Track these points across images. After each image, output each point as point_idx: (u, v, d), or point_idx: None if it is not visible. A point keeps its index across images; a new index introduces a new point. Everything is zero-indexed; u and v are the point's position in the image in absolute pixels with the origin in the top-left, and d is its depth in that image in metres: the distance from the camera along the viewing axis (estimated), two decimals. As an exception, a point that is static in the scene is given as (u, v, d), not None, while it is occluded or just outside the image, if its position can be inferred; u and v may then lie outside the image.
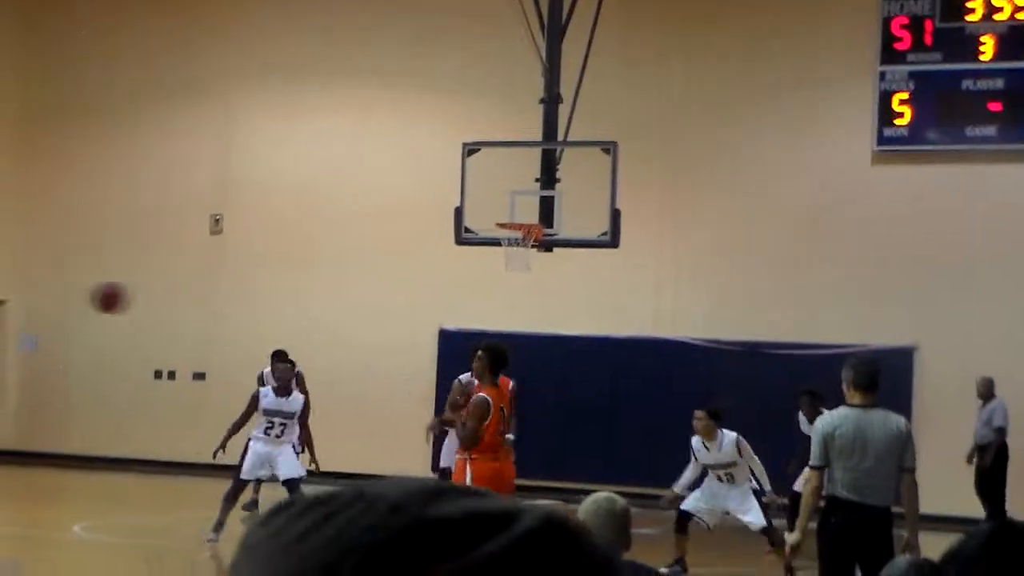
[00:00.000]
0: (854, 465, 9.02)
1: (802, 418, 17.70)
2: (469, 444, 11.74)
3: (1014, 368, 20.49)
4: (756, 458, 14.46)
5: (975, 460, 19.53)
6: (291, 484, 15.65)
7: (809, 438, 17.34)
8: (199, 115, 24.98)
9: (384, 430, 22.71)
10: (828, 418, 9.29)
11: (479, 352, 12.01)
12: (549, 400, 19.31)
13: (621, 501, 5.87)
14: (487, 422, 11.70)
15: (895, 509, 9.27)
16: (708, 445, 14.36)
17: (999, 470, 19.10)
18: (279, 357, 18.18)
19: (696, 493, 14.57)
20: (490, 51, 23.07)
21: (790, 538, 9.52)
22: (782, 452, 20.49)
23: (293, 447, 16.14)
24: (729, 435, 14.36)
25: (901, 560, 4.23)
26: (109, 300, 15.69)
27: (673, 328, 22.07)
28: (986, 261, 21.06)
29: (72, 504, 21.43)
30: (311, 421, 16.54)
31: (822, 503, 9.37)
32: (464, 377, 13.65)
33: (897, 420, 9.26)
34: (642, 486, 20.83)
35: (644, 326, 22.21)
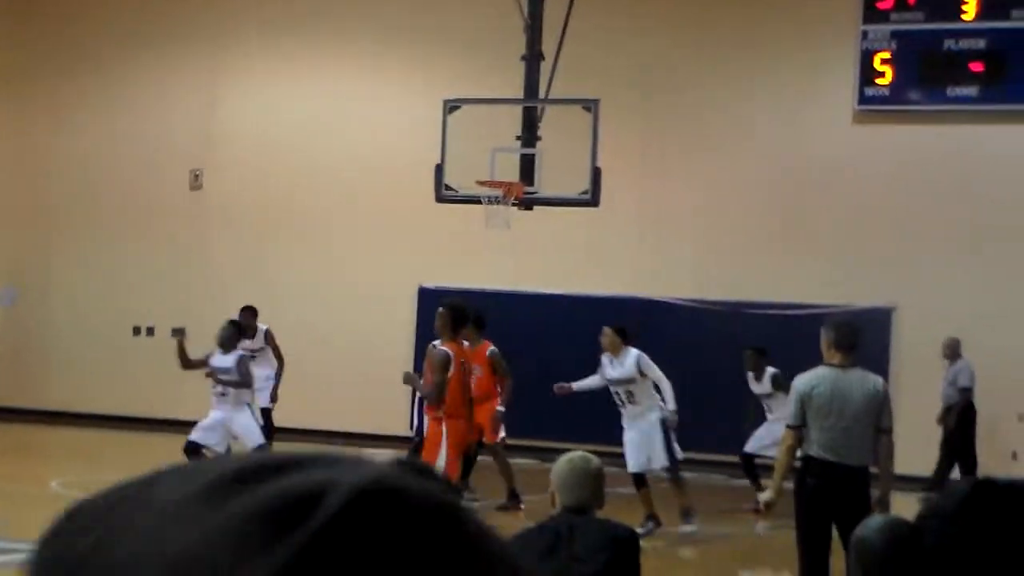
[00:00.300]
0: (831, 425, 9.04)
1: (750, 376, 17.74)
2: (435, 399, 11.90)
3: (991, 330, 20.54)
4: (661, 375, 14.78)
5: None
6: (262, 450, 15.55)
7: (757, 396, 17.49)
8: (181, 70, 24.85)
9: (362, 388, 22.70)
10: (805, 378, 9.30)
11: (440, 309, 12.34)
12: (528, 359, 19.28)
13: (595, 460, 5.87)
14: (449, 375, 11.83)
15: (873, 470, 9.29)
16: (613, 361, 14.84)
17: (965, 431, 19.15)
18: (248, 313, 18.18)
19: (628, 450, 14.80)
20: (472, 7, 22.97)
21: (763, 496, 9.54)
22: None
23: (250, 407, 16.04)
24: (632, 352, 14.84)
25: (875, 519, 4.20)
26: None
27: (654, 287, 22.06)
28: (966, 223, 21.07)
29: (50, 460, 21.39)
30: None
31: (798, 463, 9.38)
32: (439, 342, 13.70)
33: (875, 380, 9.28)
34: (620, 446, 20.84)
35: (625, 285, 22.19)
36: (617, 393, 14.91)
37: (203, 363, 15.80)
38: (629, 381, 14.77)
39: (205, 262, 24.51)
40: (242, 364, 15.64)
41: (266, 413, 19.12)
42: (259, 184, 24.21)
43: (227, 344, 15.64)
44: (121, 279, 24.46)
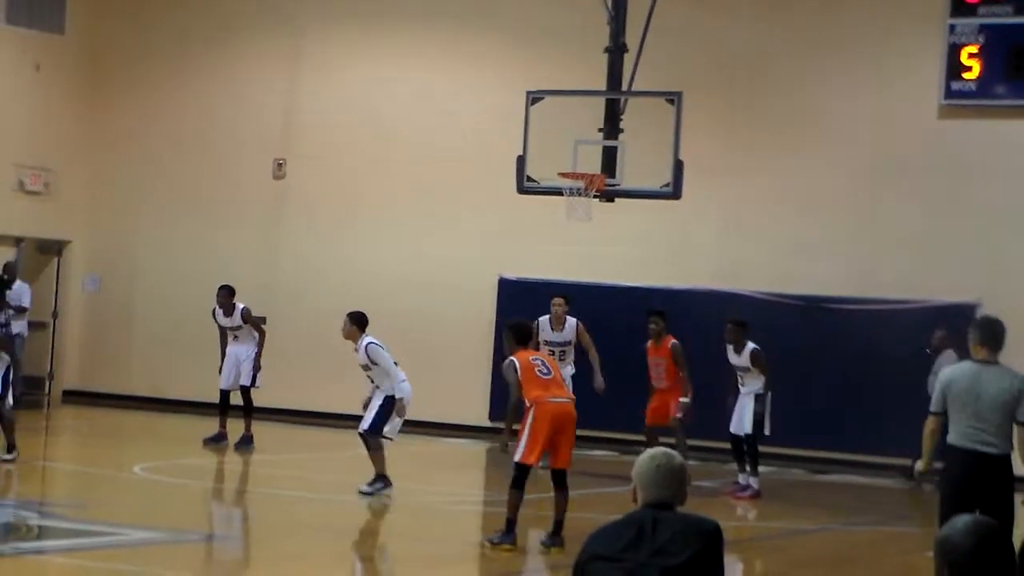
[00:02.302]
0: (968, 415, 9.59)
1: (730, 348, 17.62)
2: (519, 407, 12.73)
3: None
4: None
5: None
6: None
7: (737, 368, 17.69)
8: (267, 58, 25.02)
9: (442, 377, 22.71)
10: (949, 370, 10.00)
11: (504, 330, 13.45)
12: (607, 350, 19.26)
13: (678, 457, 5.86)
14: (519, 377, 12.67)
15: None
16: (554, 327, 18.24)
17: None
18: (225, 292, 20.00)
19: None
20: (556, -1, 22.98)
21: (917, 466, 10.08)
22: (837, 408, 20.42)
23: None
24: (570, 320, 18.24)
25: (961, 518, 4.22)
26: None
27: (733, 281, 21.97)
28: (1053, 218, 20.82)
29: (133, 445, 21.66)
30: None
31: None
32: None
33: (1012, 376, 9.83)
34: (700, 439, 20.80)
35: (704, 278, 22.12)
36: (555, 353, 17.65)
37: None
38: (565, 343, 18.18)
39: (287, 250, 24.68)
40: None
41: (245, 391, 19.70)
42: (340, 174, 24.34)
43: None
44: (204, 266, 24.67)
